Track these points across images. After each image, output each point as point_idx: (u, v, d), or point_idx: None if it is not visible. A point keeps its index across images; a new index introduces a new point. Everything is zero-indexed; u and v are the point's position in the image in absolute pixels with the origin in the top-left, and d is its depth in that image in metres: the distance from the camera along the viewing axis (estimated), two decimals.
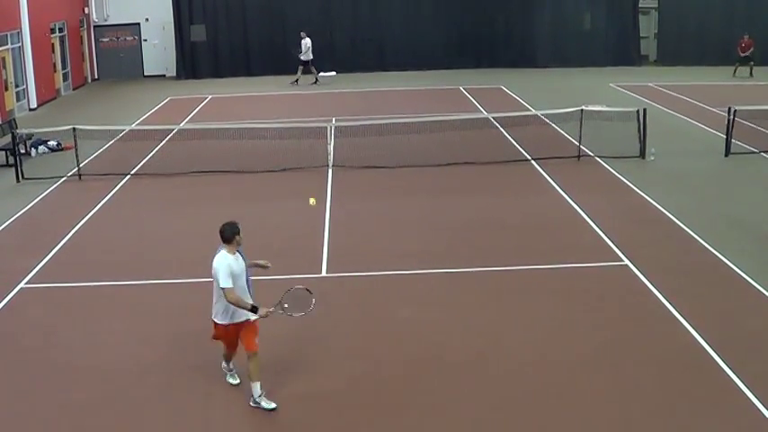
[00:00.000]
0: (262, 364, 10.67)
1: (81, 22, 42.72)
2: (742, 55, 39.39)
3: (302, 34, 39.72)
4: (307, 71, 39.76)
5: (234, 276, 10.51)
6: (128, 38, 45.06)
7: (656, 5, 45.20)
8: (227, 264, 10.55)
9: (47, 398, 11.08)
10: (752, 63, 39.24)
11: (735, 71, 39.30)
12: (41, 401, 11.00)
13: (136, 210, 19.60)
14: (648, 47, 46.07)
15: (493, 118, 26.73)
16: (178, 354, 12.23)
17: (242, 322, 10.68)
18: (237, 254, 10.76)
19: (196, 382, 11.36)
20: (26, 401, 11.03)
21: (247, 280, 10.83)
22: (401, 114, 28.10)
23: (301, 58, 39.63)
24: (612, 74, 40.57)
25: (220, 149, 24.37)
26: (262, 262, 11.37)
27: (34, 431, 10.31)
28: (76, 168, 22.66)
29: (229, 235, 10.76)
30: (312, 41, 39.94)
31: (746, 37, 39.38)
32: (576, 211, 18.50)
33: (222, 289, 10.49)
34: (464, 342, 12.39)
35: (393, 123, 25.36)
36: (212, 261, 10.67)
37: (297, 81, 39.61)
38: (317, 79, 39.86)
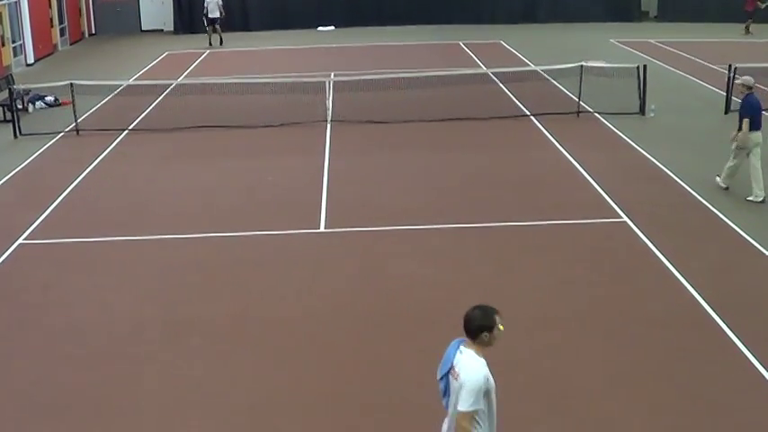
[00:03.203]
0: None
1: None
2: (750, 9, 39.01)
3: None
4: (214, 30, 38.56)
5: (486, 393, 6.83)
6: None
7: None
8: (483, 377, 6.76)
9: (45, 353, 11.10)
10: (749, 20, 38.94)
11: (748, 28, 38.93)
12: (40, 357, 11.02)
13: (134, 165, 19.55)
14: (649, 3, 45.78)
15: (492, 73, 26.62)
16: (177, 309, 12.25)
17: None
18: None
19: (194, 338, 11.39)
20: (25, 357, 11.05)
21: None
22: (400, 69, 27.97)
23: (209, 16, 38.47)
24: (613, 30, 40.35)
25: (218, 104, 24.30)
26: None
27: (33, 386, 10.33)
28: (74, 124, 22.58)
29: (475, 326, 6.84)
30: None
31: None
32: (575, 167, 18.46)
33: (461, 412, 6.78)
34: (462, 297, 12.33)
35: (392, 78, 25.29)
36: (451, 359, 7.02)
37: (221, 42, 38.64)
38: (210, 42, 38.55)
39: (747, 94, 16.40)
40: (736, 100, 22.59)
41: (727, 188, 16.69)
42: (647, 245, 14.08)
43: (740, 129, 16.17)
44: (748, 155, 16.29)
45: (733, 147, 16.44)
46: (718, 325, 11.35)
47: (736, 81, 16.47)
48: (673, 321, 11.55)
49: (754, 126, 16.11)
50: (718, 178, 16.87)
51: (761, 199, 16.04)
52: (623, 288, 12.61)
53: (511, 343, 11.15)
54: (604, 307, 12.05)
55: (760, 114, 16.29)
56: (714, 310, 11.72)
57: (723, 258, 13.68)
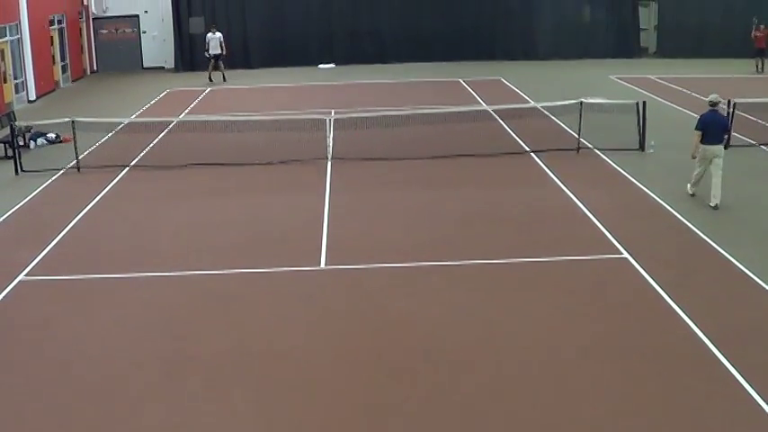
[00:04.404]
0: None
1: (80, 14, 42.68)
2: (757, 47, 38.68)
3: (212, 27, 39.39)
4: (216, 66, 38.87)
5: None
6: (127, 30, 45.03)
7: None
8: None
9: (45, 390, 11.07)
10: (763, 56, 38.70)
11: (757, 65, 38.64)
12: (40, 393, 10.98)
13: (135, 202, 19.58)
14: (648, 39, 46.05)
15: (492, 110, 26.71)
16: (176, 345, 12.23)
17: None
18: None
19: (193, 375, 11.36)
20: (24, 393, 11.01)
21: None
22: (400, 106, 28.08)
23: (211, 53, 38.84)
24: (612, 66, 40.53)
25: (219, 142, 24.37)
26: None
27: (33, 422, 10.29)
28: (75, 161, 22.65)
29: None
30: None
31: (762, 27, 38.74)
32: (575, 203, 18.49)
33: None
34: (463, 334, 12.39)
35: (392, 115, 25.36)
36: None
37: (224, 78, 38.89)
38: (210, 78, 38.86)
39: (709, 110, 18.14)
40: (736, 134, 23.00)
41: (693, 195, 18.54)
42: (647, 280, 14.08)
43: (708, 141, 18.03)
44: (712, 165, 18.02)
45: (693, 157, 18.34)
46: (719, 359, 11.33)
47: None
48: (673, 356, 11.52)
49: (707, 139, 17.93)
50: (688, 185, 18.67)
51: (713, 204, 17.77)
52: (624, 323, 12.59)
53: (512, 376, 11.16)
54: (605, 342, 12.03)
55: (715, 129, 17.97)
56: (714, 345, 11.71)
57: (723, 293, 13.66)
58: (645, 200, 18.71)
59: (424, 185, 20.22)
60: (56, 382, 11.31)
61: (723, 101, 18.85)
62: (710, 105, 18.25)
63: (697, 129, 18.08)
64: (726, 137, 18.09)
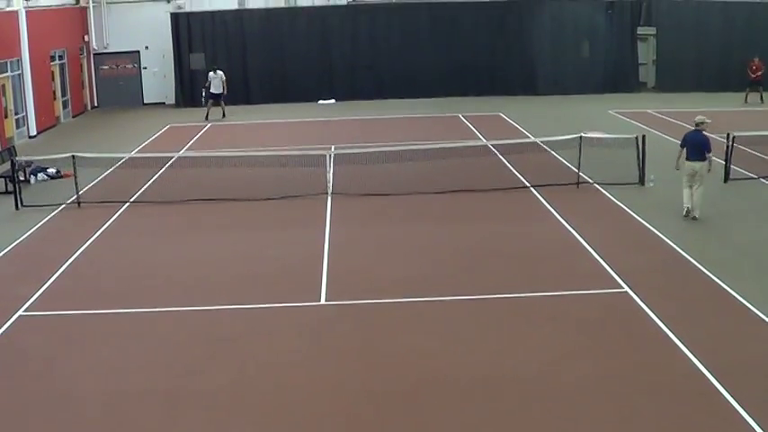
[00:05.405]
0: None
1: (81, 49, 42.84)
2: (753, 76, 39.08)
3: (214, 67, 39.65)
4: (216, 104, 38.94)
5: None
6: (127, 65, 45.15)
7: (655, 33, 45.33)
8: None
9: (46, 426, 11.02)
10: (761, 89, 38.98)
11: (746, 97, 39.09)
12: (39, 429, 10.93)
13: (135, 237, 19.58)
14: (647, 74, 46.16)
15: (492, 145, 26.76)
16: (178, 382, 12.18)
17: None
18: None
19: (194, 410, 11.31)
20: (23, 428, 10.96)
21: None
22: (400, 142, 28.12)
23: (212, 91, 39.00)
24: (611, 101, 40.60)
25: (219, 177, 24.40)
26: None
27: None
28: (76, 196, 22.66)
29: None
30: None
31: (757, 59, 39.10)
32: (575, 238, 18.48)
33: None
34: (464, 370, 12.35)
35: (392, 151, 25.38)
36: None
37: (223, 115, 38.90)
38: (207, 116, 38.84)
39: (694, 130, 19.91)
40: (735, 168, 23.05)
41: (687, 214, 19.66)
42: (648, 315, 14.05)
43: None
44: (695, 181, 19.61)
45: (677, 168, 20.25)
46: (722, 394, 11.29)
47: None
48: (676, 391, 11.48)
49: (688, 156, 19.77)
50: (692, 213, 19.69)
51: (685, 212, 19.69)
52: (626, 358, 12.55)
53: (514, 413, 11.10)
54: (607, 378, 11.99)
55: (693, 147, 19.63)
56: (717, 379, 11.66)
57: (725, 327, 13.63)
58: (645, 234, 18.71)
59: (424, 221, 20.22)
60: (54, 417, 11.26)
61: (709, 121, 20.03)
62: (695, 125, 19.97)
63: (681, 146, 20.14)
64: (708, 156, 19.50)
